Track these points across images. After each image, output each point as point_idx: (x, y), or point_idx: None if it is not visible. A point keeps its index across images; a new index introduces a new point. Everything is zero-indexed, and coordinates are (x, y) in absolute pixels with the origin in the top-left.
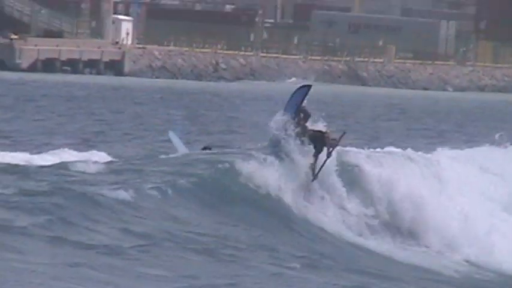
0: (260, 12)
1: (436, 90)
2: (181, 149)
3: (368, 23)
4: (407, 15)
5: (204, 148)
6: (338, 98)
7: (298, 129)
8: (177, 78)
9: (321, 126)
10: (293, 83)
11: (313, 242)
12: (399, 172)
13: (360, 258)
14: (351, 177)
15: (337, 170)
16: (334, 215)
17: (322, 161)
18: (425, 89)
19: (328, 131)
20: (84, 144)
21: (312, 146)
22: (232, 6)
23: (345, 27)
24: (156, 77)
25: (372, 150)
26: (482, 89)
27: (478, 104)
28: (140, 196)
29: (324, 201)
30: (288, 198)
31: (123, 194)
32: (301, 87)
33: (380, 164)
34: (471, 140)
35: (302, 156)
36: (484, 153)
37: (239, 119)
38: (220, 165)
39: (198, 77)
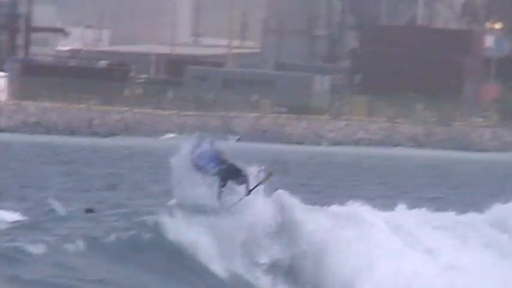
0: (134, 67)
1: (310, 144)
2: (61, 210)
3: (241, 78)
4: (281, 69)
5: (87, 211)
6: None
7: (222, 167)
8: (51, 134)
9: (252, 169)
10: (170, 139)
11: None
12: (334, 231)
13: None
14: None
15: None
16: (243, 261)
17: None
18: (300, 143)
19: (247, 172)
20: None
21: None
22: (106, 62)
23: (219, 82)
24: (31, 133)
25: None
26: (357, 143)
27: (353, 158)
28: (41, 247)
29: (239, 247)
30: (198, 243)
31: (23, 246)
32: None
33: (316, 218)
34: (351, 195)
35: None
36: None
37: (116, 174)
38: (132, 218)
39: (73, 132)
